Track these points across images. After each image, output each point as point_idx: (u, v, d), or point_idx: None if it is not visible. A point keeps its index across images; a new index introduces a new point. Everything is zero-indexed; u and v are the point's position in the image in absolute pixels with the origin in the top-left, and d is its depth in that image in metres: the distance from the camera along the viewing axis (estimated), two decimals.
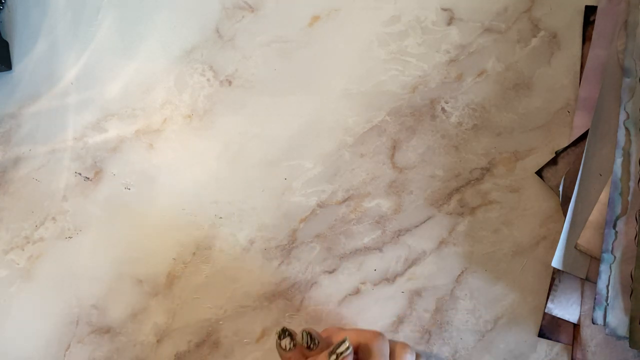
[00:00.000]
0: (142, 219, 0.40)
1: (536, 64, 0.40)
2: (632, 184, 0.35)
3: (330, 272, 0.39)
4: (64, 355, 0.39)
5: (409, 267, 0.39)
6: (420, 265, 0.39)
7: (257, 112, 0.40)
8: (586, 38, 0.39)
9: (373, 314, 0.39)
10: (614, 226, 0.35)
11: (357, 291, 0.39)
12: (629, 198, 0.35)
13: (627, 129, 0.35)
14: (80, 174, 0.40)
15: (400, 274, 0.39)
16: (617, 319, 0.34)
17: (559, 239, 0.36)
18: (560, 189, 0.38)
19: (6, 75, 0.41)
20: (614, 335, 0.34)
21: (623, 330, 0.34)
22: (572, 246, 0.36)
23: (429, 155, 0.39)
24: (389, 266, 0.39)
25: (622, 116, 0.35)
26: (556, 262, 0.36)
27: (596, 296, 0.34)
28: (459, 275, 0.39)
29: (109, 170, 0.40)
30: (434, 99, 0.40)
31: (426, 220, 0.39)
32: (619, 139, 0.35)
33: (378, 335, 0.33)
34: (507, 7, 0.40)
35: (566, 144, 0.38)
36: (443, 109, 0.40)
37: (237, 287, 0.39)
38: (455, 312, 0.38)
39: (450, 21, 0.40)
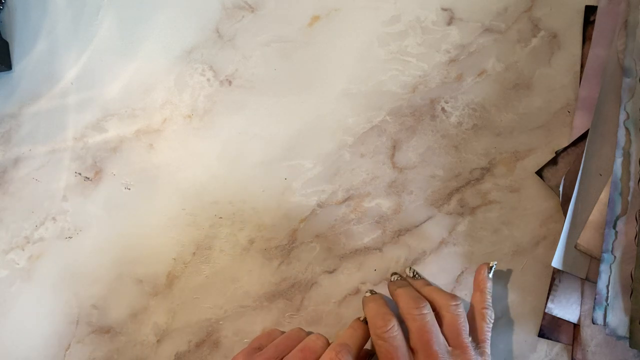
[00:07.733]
0: (142, 219, 0.40)
1: (536, 64, 0.40)
2: (632, 184, 0.35)
3: (330, 272, 0.39)
4: (64, 355, 0.39)
5: (409, 267, 0.39)
6: (420, 265, 0.39)
7: (257, 112, 0.40)
8: (586, 38, 0.39)
9: None
10: (614, 226, 0.35)
11: (357, 291, 0.39)
12: (629, 198, 0.35)
13: (627, 129, 0.35)
14: (80, 174, 0.40)
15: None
16: (617, 319, 0.34)
17: (559, 239, 0.36)
18: (560, 189, 0.38)
19: (6, 75, 0.41)
20: (614, 335, 0.34)
21: (623, 330, 0.34)
22: (572, 246, 0.36)
23: (429, 155, 0.39)
24: (389, 266, 0.39)
25: (622, 116, 0.35)
26: (556, 262, 0.36)
27: (596, 296, 0.34)
28: (459, 275, 0.39)
29: (109, 170, 0.40)
30: (434, 99, 0.40)
31: (426, 220, 0.39)
32: (619, 139, 0.35)
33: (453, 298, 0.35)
34: (507, 7, 0.40)
35: (566, 144, 0.38)
36: (443, 109, 0.40)
37: (237, 287, 0.39)
38: None
39: (450, 21, 0.40)
